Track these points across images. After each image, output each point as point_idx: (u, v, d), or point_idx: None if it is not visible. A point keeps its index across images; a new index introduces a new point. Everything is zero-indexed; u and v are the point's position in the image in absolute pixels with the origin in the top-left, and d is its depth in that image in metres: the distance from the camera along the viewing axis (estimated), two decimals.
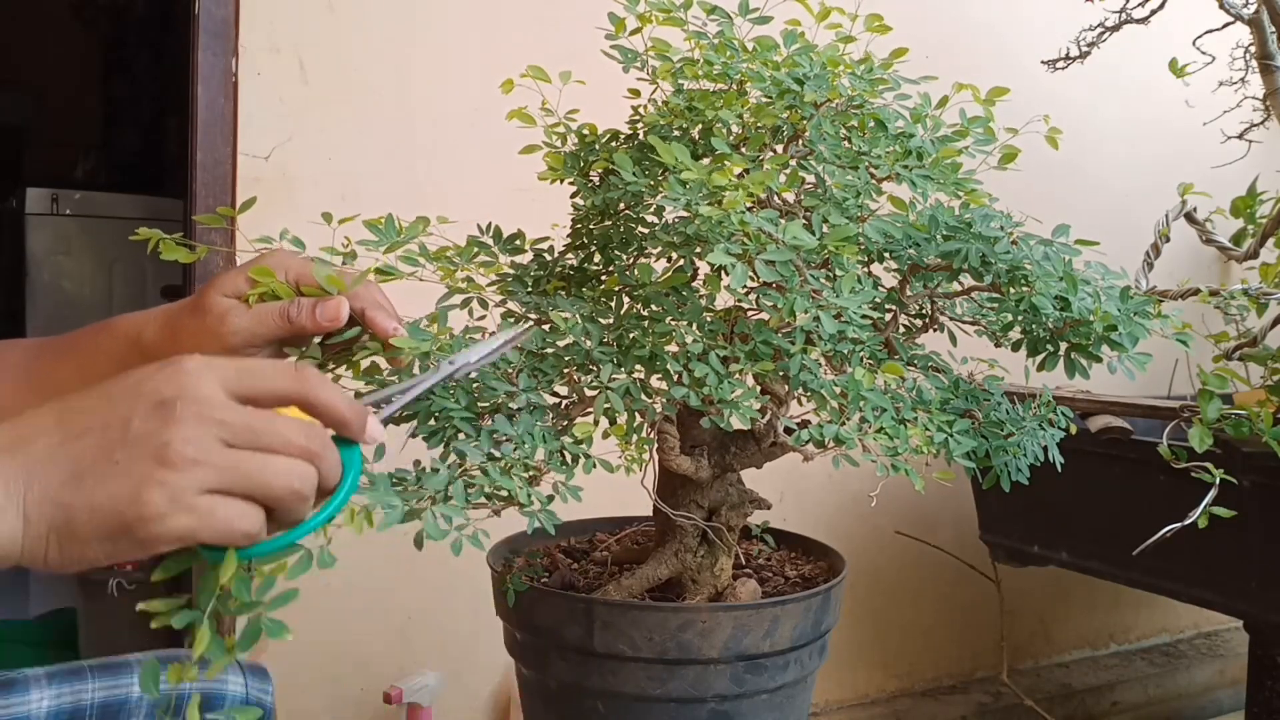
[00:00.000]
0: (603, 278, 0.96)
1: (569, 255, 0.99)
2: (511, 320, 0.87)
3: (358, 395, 0.69)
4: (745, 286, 0.81)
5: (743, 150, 0.88)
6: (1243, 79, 2.11)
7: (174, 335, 0.80)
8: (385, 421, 0.69)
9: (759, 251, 0.76)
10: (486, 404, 0.79)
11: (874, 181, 0.89)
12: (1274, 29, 1.77)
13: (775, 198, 0.88)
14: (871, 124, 0.90)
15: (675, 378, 0.80)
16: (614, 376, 0.81)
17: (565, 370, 0.83)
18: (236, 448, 0.55)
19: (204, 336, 0.78)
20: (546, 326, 0.87)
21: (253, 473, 0.55)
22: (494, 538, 0.86)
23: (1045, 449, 0.92)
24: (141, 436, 0.54)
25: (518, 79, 0.91)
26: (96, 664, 0.97)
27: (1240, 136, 2.12)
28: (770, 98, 0.87)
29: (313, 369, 0.61)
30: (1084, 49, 1.96)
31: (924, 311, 0.96)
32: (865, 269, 0.87)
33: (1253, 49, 1.87)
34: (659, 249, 0.90)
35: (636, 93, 0.96)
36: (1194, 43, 1.95)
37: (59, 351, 0.86)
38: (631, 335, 0.83)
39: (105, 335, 0.84)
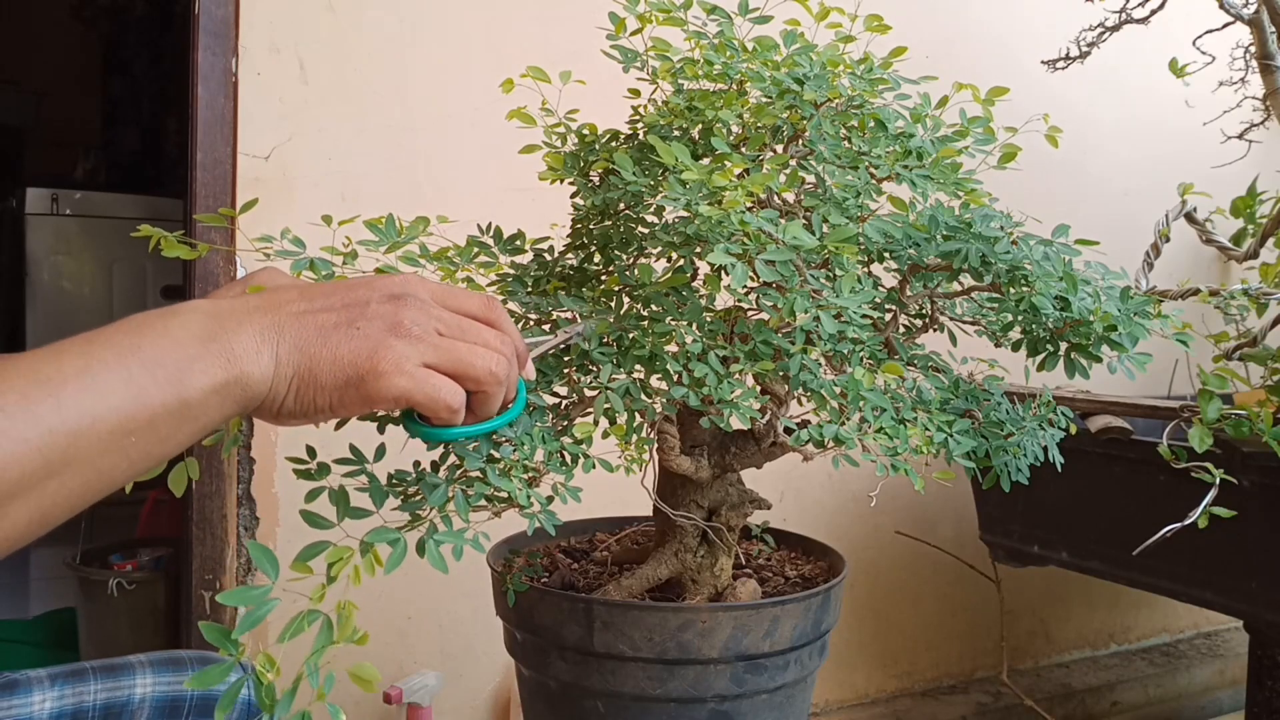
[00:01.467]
0: (603, 278, 0.96)
1: (569, 255, 0.99)
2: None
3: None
4: (745, 286, 0.81)
5: (743, 150, 0.88)
6: (1243, 79, 2.11)
7: None
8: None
9: (759, 251, 0.76)
10: None
11: (874, 181, 0.89)
12: (1274, 29, 1.78)
13: (775, 198, 0.88)
14: (871, 124, 0.90)
15: (675, 378, 0.80)
16: (614, 376, 0.81)
17: (565, 370, 0.83)
18: (449, 337, 0.66)
19: None
20: (547, 326, 0.87)
21: (462, 355, 0.66)
22: (494, 538, 0.86)
23: (1045, 449, 0.92)
24: (379, 313, 0.64)
25: (518, 79, 0.91)
26: (99, 665, 0.97)
27: (1240, 136, 2.12)
28: (770, 98, 0.87)
29: (498, 302, 0.71)
30: (1084, 49, 1.96)
31: (924, 311, 0.96)
32: (865, 269, 0.87)
33: (1253, 49, 1.87)
34: (659, 249, 0.90)
35: (636, 93, 0.96)
36: (1194, 43, 1.95)
37: None
38: (631, 335, 0.83)
39: None
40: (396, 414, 0.72)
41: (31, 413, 0.54)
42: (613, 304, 0.89)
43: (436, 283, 0.69)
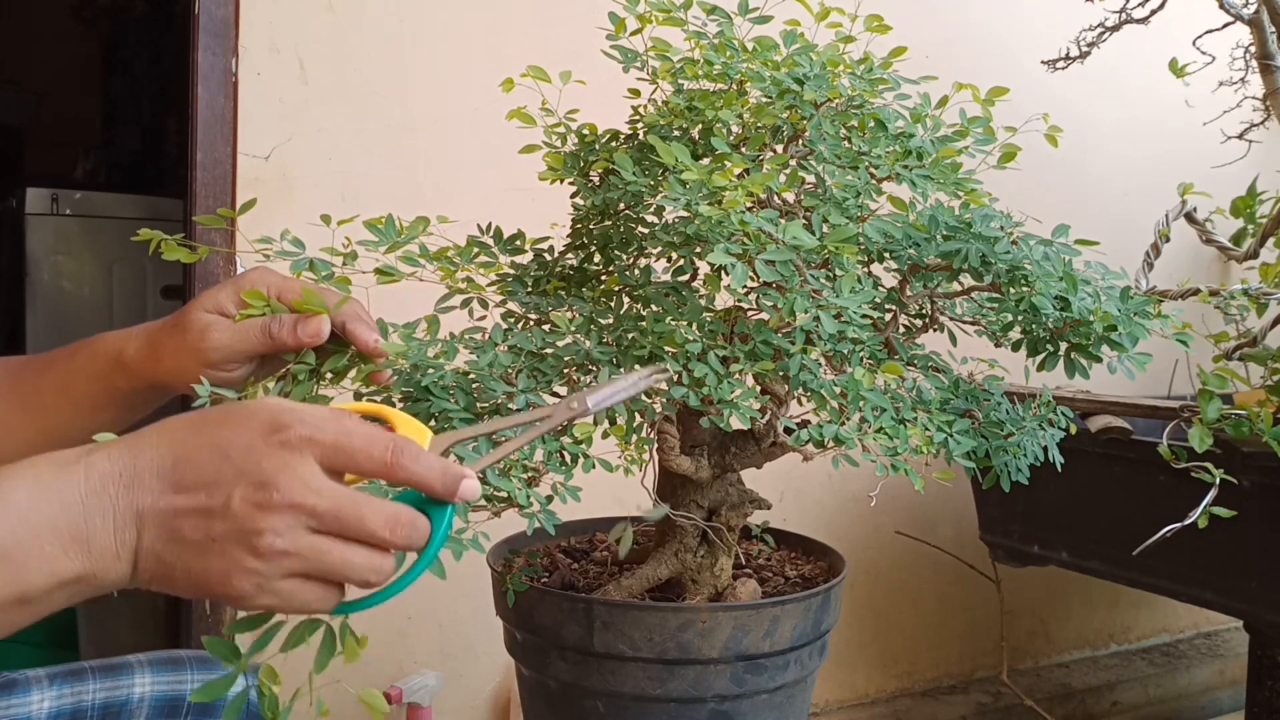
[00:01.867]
0: (603, 278, 0.96)
1: (569, 255, 0.99)
2: (636, 366, 0.82)
3: (461, 433, 0.69)
4: (745, 286, 0.81)
5: (743, 150, 0.88)
6: (1243, 79, 2.10)
7: (155, 353, 0.82)
8: (486, 468, 0.69)
9: (759, 251, 0.76)
10: (485, 404, 0.79)
11: (874, 181, 0.89)
12: (1274, 29, 1.77)
13: (775, 198, 0.88)
14: (871, 124, 0.90)
15: (675, 378, 0.80)
16: (613, 377, 0.81)
17: (565, 370, 0.83)
18: (322, 534, 0.60)
19: (184, 354, 0.80)
20: (546, 327, 0.87)
21: (334, 564, 0.60)
22: (494, 538, 0.86)
23: (1045, 449, 0.92)
24: (239, 518, 0.58)
25: (518, 79, 0.91)
26: (98, 665, 0.97)
27: (1240, 136, 2.12)
28: (770, 98, 0.87)
29: (407, 442, 0.63)
30: (1084, 49, 1.96)
31: (924, 311, 0.95)
32: (865, 269, 0.87)
33: (1253, 49, 1.87)
34: (659, 249, 0.90)
35: (637, 93, 0.96)
36: (1194, 43, 1.95)
37: (42, 368, 0.87)
38: (631, 335, 0.83)
39: (87, 353, 0.85)
40: None
41: None
42: (613, 304, 0.89)
43: (326, 438, 0.60)
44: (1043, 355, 0.89)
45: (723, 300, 0.88)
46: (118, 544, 0.58)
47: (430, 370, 0.81)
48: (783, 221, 0.77)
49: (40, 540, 0.56)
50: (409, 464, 0.62)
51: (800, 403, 0.86)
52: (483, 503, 0.75)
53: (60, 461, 0.59)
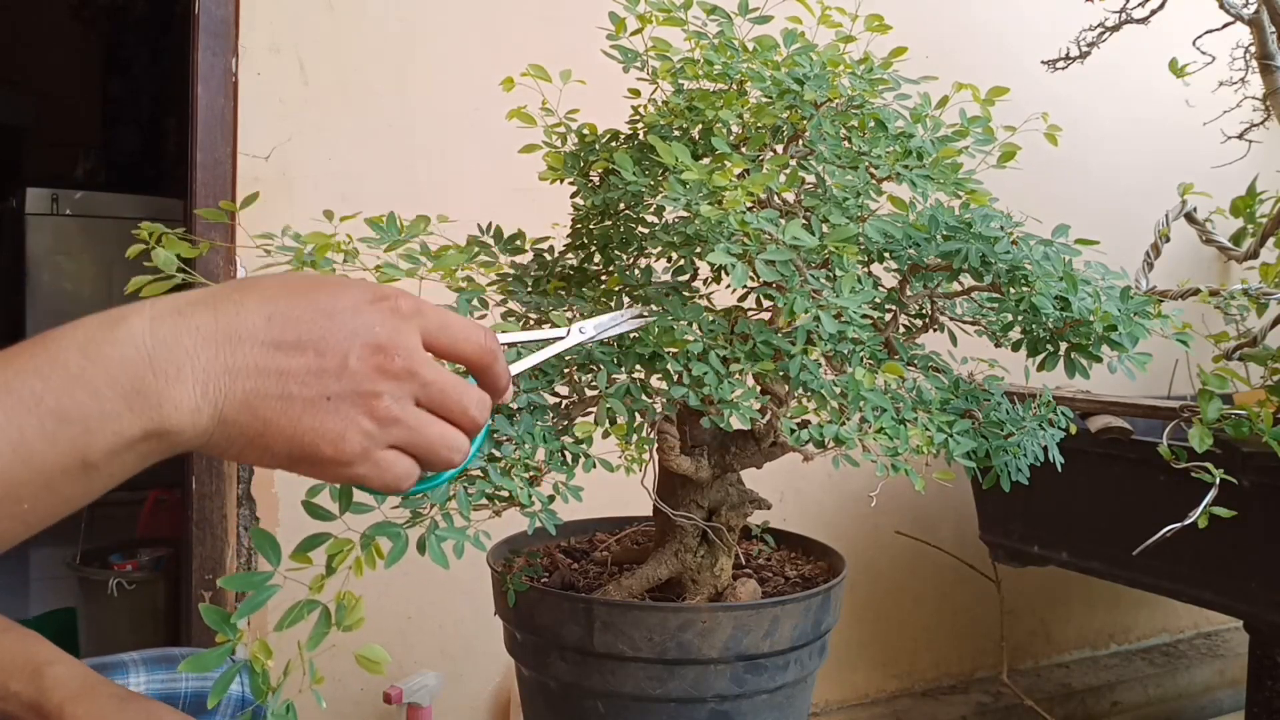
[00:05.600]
0: (603, 278, 0.96)
1: (569, 255, 0.99)
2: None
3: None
4: (745, 286, 0.81)
5: (743, 150, 0.88)
6: (1243, 79, 2.10)
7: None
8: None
9: (759, 251, 0.76)
10: None
11: (874, 181, 0.89)
12: (1274, 29, 1.77)
13: (775, 198, 0.88)
14: (871, 124, 0.90)
15: (675, 378, 0.80)
16: (613, 377, 0.81)
17: (566, 370, 0.83)
18: (424, 408, 0.59)
19: None
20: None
21: (433, 439, 0.59)
22: (494, 538, 0.86)
23: (1045, 449, 0.92)
24: (357, 376, 0.56)
25: (518, 79, 0.91)
26: (91, 663, 0.97)
27: (1240, 136, 2.12)
28: (770, 98, 0.87)
29: (498, 338, 0.64)
30: (1084, 49, 1.96)
31: (924, 311, 0.95)
32: (865, 269, 0.87)
33: (1253, 49, 1.87)
34: (659, 249, 0.90)
35: (637, 93, 0.96)
36: (1194, 43, 1.95)
37: None
38: (632, 335, 0.83)
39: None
40: None
41: None
42: (613, 304, 0.89)
43: (432, 311, 0.61)
44: (1043, 355, 0.89)
45: (723, 300, 0.88)
46: (199, 397, 0.53)
47: None
48: (783, 221, 0.77)
49: (99, 397, 0.51)
50: (498, 358, 0.64)
51: (801, 403, 0.86)
52: (484, 502, 0.75)
53: (108, 321, 0.53)
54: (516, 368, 0.71)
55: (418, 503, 0.72)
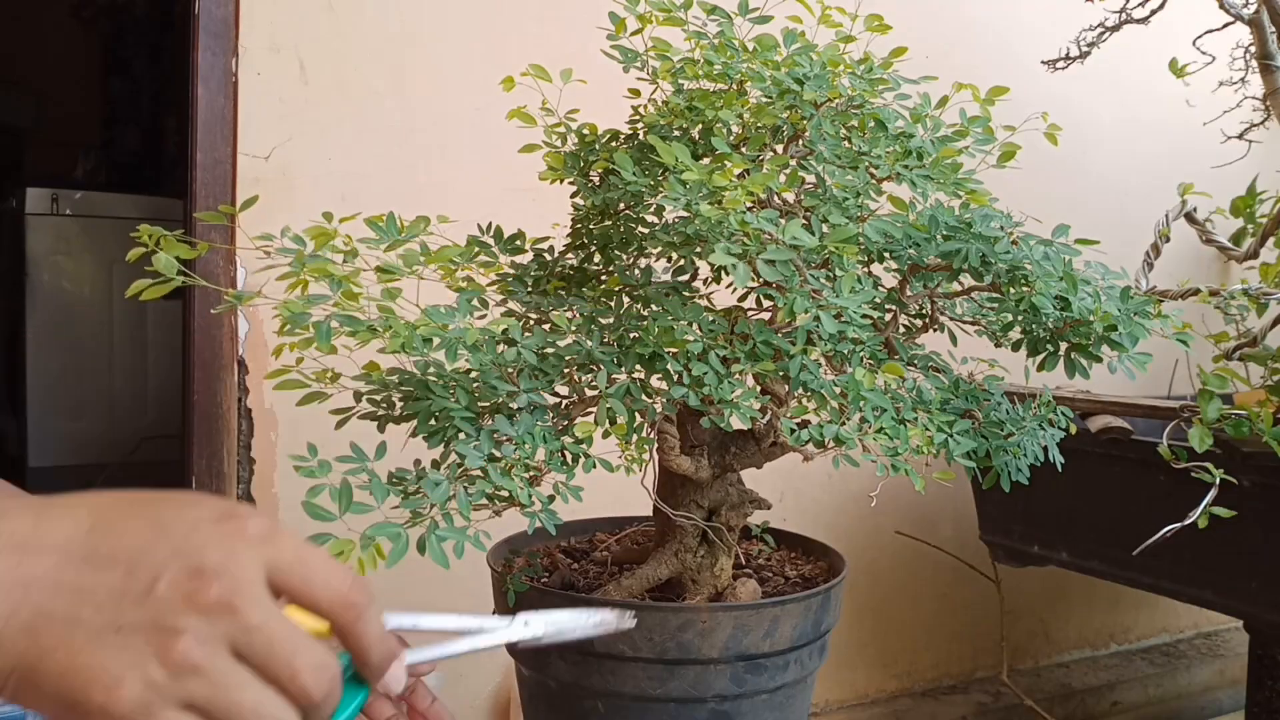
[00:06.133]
0: (603, 278, 0.96)
1: (569, 255, 0.99)
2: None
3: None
4: (746, 286, 0.81)
5: (743, 150, 0.88)
6: (1243, 79, 2.10)
7: None
8: (414, 664, 0.60)
9: (759, 252, 0.76)
10: (487, 403, 0.79)
11: (874, 181, 0.89)
12: (1274, 29, 1.77)
13: (775, 198, 0.88)
14: (871, 124, 0.90)
15: (675, 378, 0.80)
16: (614, 377, 0.81)
17: (566, 370, 0.83)
18: (242, 661, 0.48)
19: None
20: (546, 326, 0.87)
21: (241, 706, 0.47)
22: (494, 538, 0.86)
23: (1045, 449, 0.92)
24: (159, 607, 0.46)
25: (518, 78, 0.91)
26: None
27: (1240, 136, 2.12)
28: (770, 98, 0.87)
29: (368, 591, 0.52)
30: (1084, 49, 1.96)
31: (924, 311, 0.96)
32: (865, 269, 0.87)
33: (1253, 49, 1.87)
34: (659, 249, 0.90)
35: (637, 93, 0.96)
36: (1194, 43, 1.95)
37: None
38: (633, 335, 0.83)
39: None
40: None
41: None
42: (613, 304, 0.89)
43: (291, 542, 0.50)
44: (1043, 355, 0.89)
45: (723, 300, 0.88)
46: None
47: (432, 369, 0.81)
48: (783, 221, 0.77)
49: None
50: (367, 612, 0.51)
51: (801, 403, 0.86)
52: (484, 502, 0.75)
53: None
54: (422, 654, 0.59)
55: (417, 502, 0.71)
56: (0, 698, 0.46)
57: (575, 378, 0.83)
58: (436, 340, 0.76)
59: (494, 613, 0.65)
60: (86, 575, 0.46)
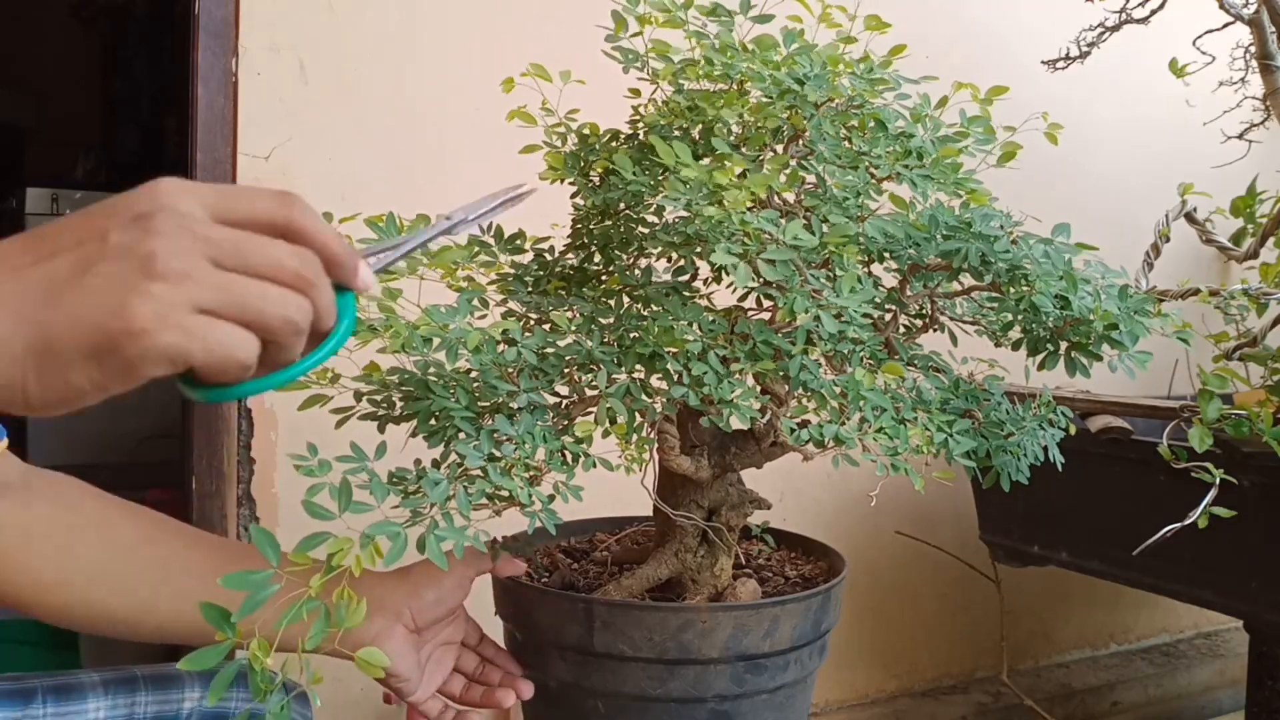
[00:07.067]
0: (603, 278, 0.96)
1: (569, 255, 0.99)
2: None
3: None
4: (746, 286, 0.81)
5: (743, 150, 0.88)
6: (1243, 79, 2.11)
7: None
8: (377, 271, 0.65)
9: (759, 251, 0.76)
10: (487, 403, 0.79)
11: (874, 181, 0.89)
12: (1274, 29, 1.77)
13: (775, 198, 0.88)
14: (872, 124, 0.90)
15: (675, 377, 0.80)
16: (614, 377, 0.81)
17: (566, 370, 0.83)
18: (225, 269, 0.50)
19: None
20: (547, 326, 0.87)
21: (248, 296, 0.50)
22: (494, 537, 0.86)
23: (1045, 449, 0.92)
24: (123, 247, 0.48)
25: (518, 79, 0.91)
26: (149, 674, 0.95)
27: (1240, 136, 2.12)
28: (770, 98, 0.87)
29: (300, 196, 0.54)
30: (1084, 49, 1.96)
31: (924, 311, 0.95)
32: (865, 269, 0.87)
33: (1253, 49, 1.87)
34: (659, 249, 0.90)
35: (637, 93, 0.96)
36: (1194, 43, 1.95)
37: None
38: (633, 335, 0.83)
39: None
40: None
41: None
42: (613, 304, 0.89)
43: (205, 185, 0.52)
44: (1043, 355, 0.89)
45: (723, 300, 0.88)
46: None
47: (432, 369, 0.81)
48: (783, 221, 0.77)
49: None
50: (305, 213, 0.53)
51: (801, 403, 0.86)
52: (484, 501, 0.75)
53: None
54: (378, 261, 0.65)
55: (417, 501, 0.71)
56: (31, 404, 0.49)
57: (575, 378, 0.83)
58: (437, 340, 0.76)
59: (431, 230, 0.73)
60: (43, 264, 0.49)
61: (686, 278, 0.91)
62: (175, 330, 0.48)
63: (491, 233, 0.95)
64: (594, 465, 0.80)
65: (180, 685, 0.96)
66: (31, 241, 0.50)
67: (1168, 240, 2.00)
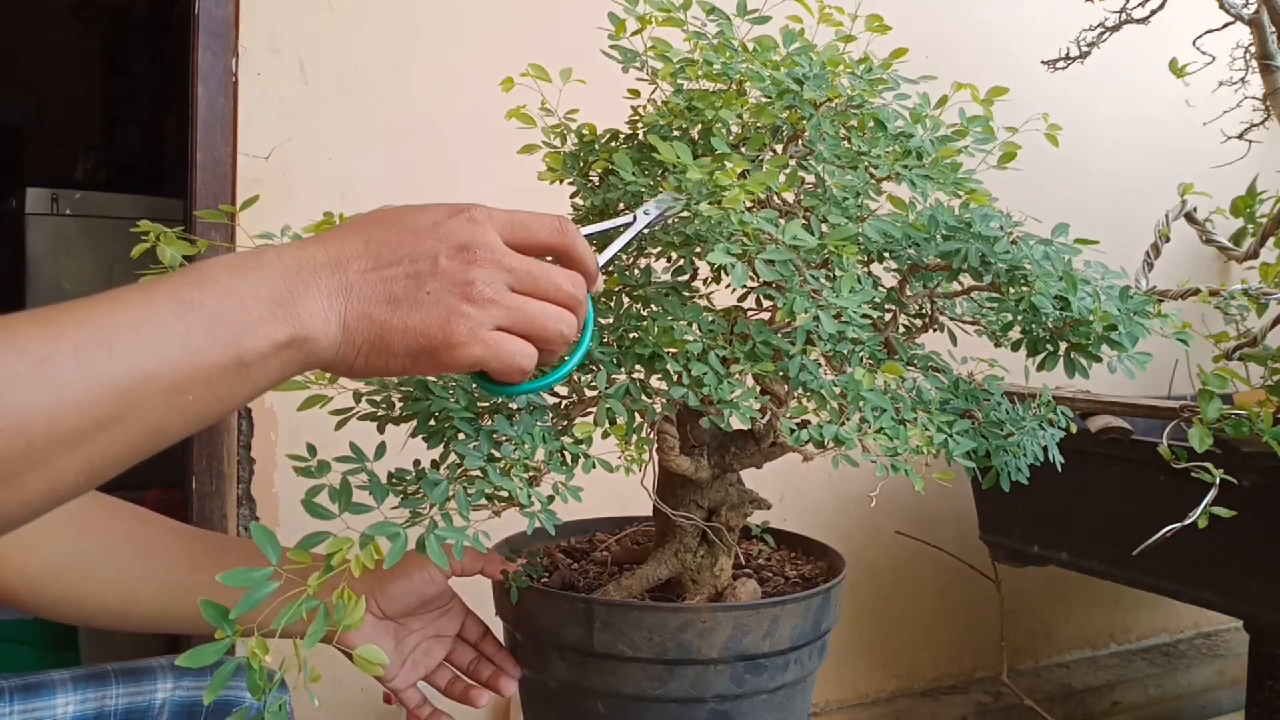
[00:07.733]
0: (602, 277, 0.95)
1: None
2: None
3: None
4: (745, 286, 0.81)
5: (742, 150, 0.88)
6: (1243, 79, 2.11)
7: None
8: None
9: (759, 251, 0.76)
10: (486, 404, 0.79)
11: (873, 181, 0.89)
12: (1274, 29, 1.77)
13: (775, 198, 0.88)
14: (871, 124, 0.90)
15: (675, 378, 0.80)
16: (613, 377, 0.81)
17: None
18: (519, 293, 0.66)
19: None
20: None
21: (535, 316, 0.66)
22: (494, 538, 0.86)
23: (1045, 449, 0.92)
24: (449, 273, 0.63)
25: (518, 78, 0.90)
26: (119, 668, 0.96)
27: (1240, 136, 2.12)
28: (770, 98, 0.87)
29: (572, 223, 0.70)
30: (1084, 49, 1.96)
31: (924, 311, 0.95)
32: (865, 269, 0.87)
33: (1253, 49, 1.87)
34: (659, 249, 0.90)
35: (636, 93, 0.96)
36: (1194, 43, 1.95)
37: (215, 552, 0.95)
38: (632, 335, 0.83)
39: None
40: None
41: (84, 363, 0.53)
42: (613, 304, 0.89)
43: (503, 213, 0.67)
44: (1043, 355, 0.89)
45: (723, 300, 0.88)
46: (326, 308, 0.61)
47: None
48: (782, 221, 0.77)
49: (246, 307, 0.58)
50: (577, 239, 0.70)
51: (800, 403, 0.86)
52: (483, 502, 0.75)
53: (243, 254, 0.62)
54: (601, 258, 0.76)
55: (417, 501, 0.71)
56: (353, 372, 0.64)
57: (574, 378, 0.83)
58: None
59: (621, 227, 0.83)
60: (383, 271, 0.63)
61: (686, 278, 0.91)
62: (481, 345, 0.64)
63: None
64: (593, 466, 0.80)
65: (152, 677, 0.96)
66: (371, 246, 0.63)
67: (1168, 240, 2.00)
